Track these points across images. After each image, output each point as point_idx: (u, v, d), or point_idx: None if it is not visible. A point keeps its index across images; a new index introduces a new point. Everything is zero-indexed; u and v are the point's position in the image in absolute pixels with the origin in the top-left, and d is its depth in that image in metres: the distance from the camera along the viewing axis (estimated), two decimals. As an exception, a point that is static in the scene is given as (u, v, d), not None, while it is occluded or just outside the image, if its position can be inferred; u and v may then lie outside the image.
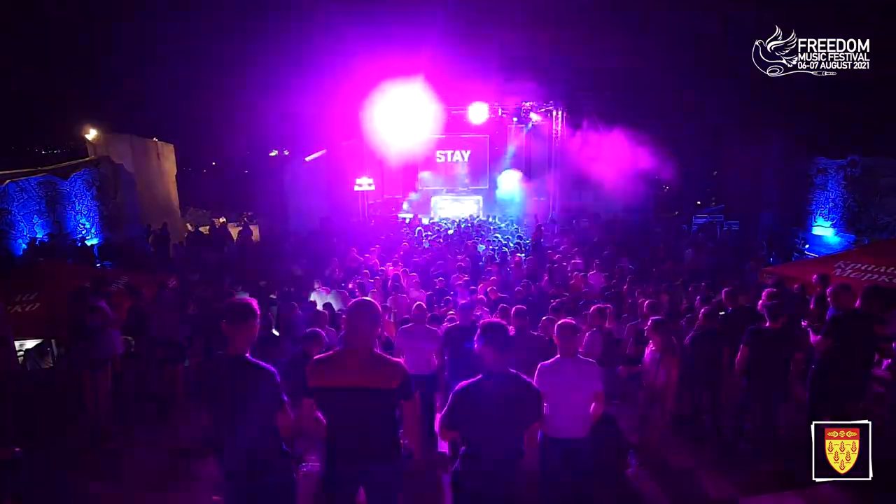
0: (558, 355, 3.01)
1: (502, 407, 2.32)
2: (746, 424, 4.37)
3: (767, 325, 4.07)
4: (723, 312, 5.09)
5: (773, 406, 4.18)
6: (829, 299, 4.06)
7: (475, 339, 2.44)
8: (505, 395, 2.34)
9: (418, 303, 4.81)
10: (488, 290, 7.63)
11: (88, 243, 12.16)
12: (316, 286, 7.96)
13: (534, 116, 18.10)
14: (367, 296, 7.67)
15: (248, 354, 2.30)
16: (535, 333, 4.70)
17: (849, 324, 3.87)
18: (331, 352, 2.35)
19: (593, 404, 3.00)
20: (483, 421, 2.34)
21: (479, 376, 2.41)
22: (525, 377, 2.43)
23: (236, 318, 2.26)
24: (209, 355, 6.08)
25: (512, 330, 4.11)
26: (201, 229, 15.91)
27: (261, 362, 2.29)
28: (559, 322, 3.08)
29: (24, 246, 10.49)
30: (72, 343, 4.74)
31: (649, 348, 4.30)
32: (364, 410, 2.25)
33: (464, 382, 2.42)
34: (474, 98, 16.77)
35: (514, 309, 4.65)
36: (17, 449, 2.78)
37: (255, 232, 15.51)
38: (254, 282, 8.84)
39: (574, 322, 3.14)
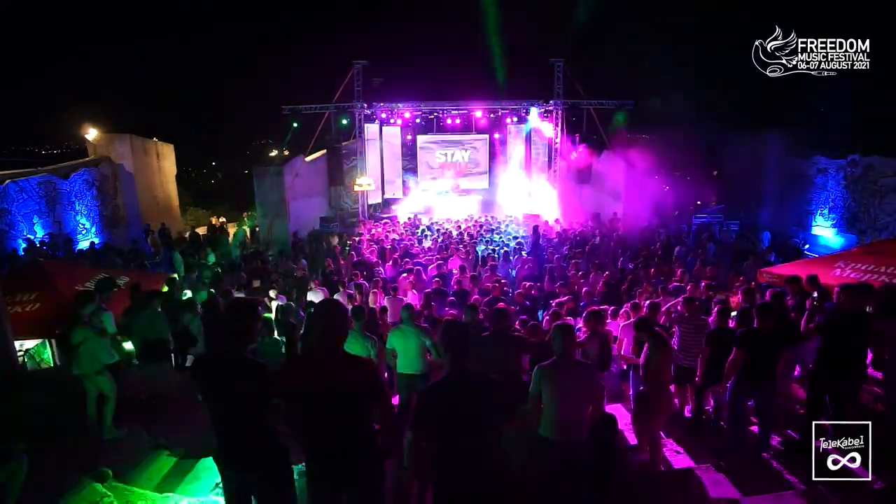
0: (555, 357, 2.96)
1: (464, 407, 2.29)
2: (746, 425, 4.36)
3: (757, 325, 4.00)
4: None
5: (768, 406, 4.16)
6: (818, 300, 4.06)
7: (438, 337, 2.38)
8: (466, 396, 2.31)
9: (408, 302, 4.80)
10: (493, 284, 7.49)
11: (89, 242, 12.16)
12: (312, 286, 7.97)
13: (534, 117, 18.10)
14: (366, 296, 7.70)
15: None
16: (518, 335, 4.50)
17: (842, 323, 3.87)
18: (301, 354, 2.31)
19: (591, 407, 2.98)
20: (445, 422, 2.30)
21: (445, 377, 2.39)
22: (490, 379, 2.34)
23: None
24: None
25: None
26: (198, 230, 15.91)
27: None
28: (556, 323, 3.06)
29: (24, 246, 10.49)
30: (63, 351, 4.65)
31: (644, 348, 4.28)
32: (336, 411, 2.23)
33: (429, 384, 2.40)
34: (476, 98, 16.75)
35: (493, 310, 4.39)
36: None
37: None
38: (252, 282, 8.83)
39: (572, 323, 3.12)
